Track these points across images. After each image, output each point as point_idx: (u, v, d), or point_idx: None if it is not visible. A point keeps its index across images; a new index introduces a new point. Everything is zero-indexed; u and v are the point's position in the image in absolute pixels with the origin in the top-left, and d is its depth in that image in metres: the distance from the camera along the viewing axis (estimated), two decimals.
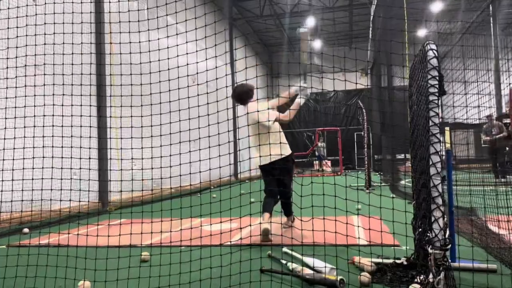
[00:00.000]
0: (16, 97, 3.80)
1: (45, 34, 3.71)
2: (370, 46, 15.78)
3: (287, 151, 4.24)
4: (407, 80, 3.09)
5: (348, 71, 19.33)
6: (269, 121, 4.15)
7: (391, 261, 2.80)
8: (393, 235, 3.33)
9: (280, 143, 4.06)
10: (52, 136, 3.60)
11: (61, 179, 3.52)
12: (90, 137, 4.07)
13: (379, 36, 10.98)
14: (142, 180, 4.17)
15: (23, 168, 3.62)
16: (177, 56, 3.59)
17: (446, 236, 2.20)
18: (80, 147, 3.78)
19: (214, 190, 9.98)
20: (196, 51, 3.26)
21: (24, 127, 3.69)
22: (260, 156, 4.24)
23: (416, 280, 2.27)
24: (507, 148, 11.30)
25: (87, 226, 4.68)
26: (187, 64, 3.25)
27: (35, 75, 3.65)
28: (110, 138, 7.57)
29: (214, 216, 3.52)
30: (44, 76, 3.79)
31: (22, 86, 3.84)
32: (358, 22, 18.25)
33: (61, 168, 3.53)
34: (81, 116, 3.64)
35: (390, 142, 9.71)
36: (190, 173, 3.57)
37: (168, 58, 3.48)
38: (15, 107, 3.78)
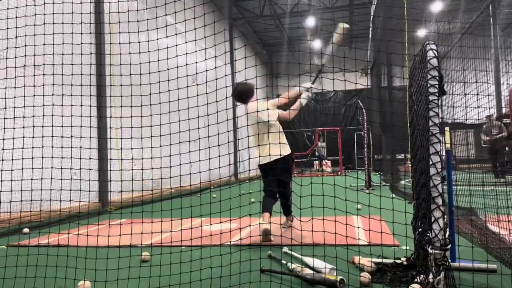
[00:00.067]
0: (15, 97, 3.80)
1: (44, 34, 3.71)
2: (370, 46, 15.78)
3: (286, 150, 4.24)
4: (407, 80, 3.09)
5: (348, 71, 19.33)
6: (268, 120, 4.15)
7: (391, 261, 2.79)
8: (393, 235, 3.33)
9: (280, 143, 4.06)
10: (52, 136, 3.60)
11: (61, 179, 3.51)
12: (90, 137, 4.08)
13: (379, 36, 10.98)
14: (142, 180, 4.17)
15: (22, 168, 3.62)
16: (177, 56, 3.59)
17: (446, 236, 2.20)
18: (80, 147, 3.78)
19: (214, 190, 9.97)
20: (196, 51, 3.25)
21: (24, 127, 3.69)
22: (259, 156, 4.24)
23: (416, 280, 2.27)
24: (507, 148, 11.30)
25: (88, 226, 4.68)
26: (187, 64, 3.25)
27: (34, 75, 3.65)
28: (110, 138, 7.57)
29: (214, 216, 3.52)
30: (44, 77, 3.78)
31: (22, 86, 3.84)
32: (358, 22, 18.24)
33: (61, 168, 3.53)
34: (81, 116, 3.64)
35: (390, 142, 9.71)
36: (190, 173, 3.56)
37: (168, 58, 3.48)
38: (15, 107, 3.78)
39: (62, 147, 3.61)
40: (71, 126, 3.69)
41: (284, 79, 21.68)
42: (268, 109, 4.09)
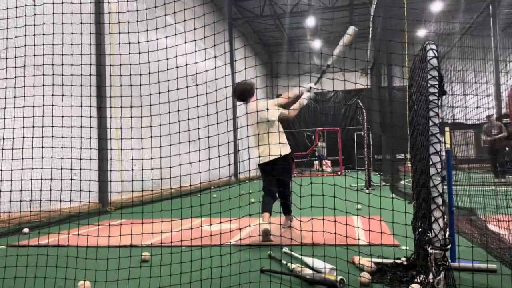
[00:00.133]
0: (15, 97, 3.80)
1: (44, 34, 3.71)
2: (370, 46, 15.78)
3: (287, 150, 4.24)
4: (407, 80, 3.09)
5: (348, 71, 19.34)
6: (269, 120, 4.15)
7: (391, 261, 2.79)
8: (393, 236, 3.33)
9: (280, 143, 4.06)
10: (52, 136, 3.60)
11: (61, 179, 3.51)
12: (90, 138, 4.07)
13: (379, 36, 10.98)
14: (142, 180, 4.16)
15: (22, 169, 3.62)
16: (176, 56, 3.59)
17: (446, 236, 2.20)
18: (81, 148, 3.78)
19: (214, 190, 9.97)
20: (196, 51, 3.25)
21: (23, 127, 3.69)
22: (259, 156, 4.24)
23: (416, 280, 2.27)
24: (507, 148, 11.30)
25: (88, 226, 4.68)
26: (186, 64, 3.25)
27: (34, 75, 3.65)
28: (111, 139, 7.57)
29: (214, 216, 3.52)
30: (44, 77, 3.78)
31: (21, 87, 3.84)
32: (358, 22, 18.24)
33: (61, 168, 3.52)
34: (81, 117, 3.64)
35: (390, 142, 9.71)
36: (190, 174, 3.56)
37: (167, 59, 3.48)
38: (14, 108, 3.77)
39: (62, 147, 3.61)
40: (71, 127, 3.68)
41: (284, 79, 21.67)
42: (268, 109, 4.09)
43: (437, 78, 2.33)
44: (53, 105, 3.55)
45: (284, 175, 4.26)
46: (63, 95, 3.61)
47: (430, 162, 2.27)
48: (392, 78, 9.56)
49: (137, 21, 3.66)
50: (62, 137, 3.51)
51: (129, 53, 3.64)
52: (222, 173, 11.98)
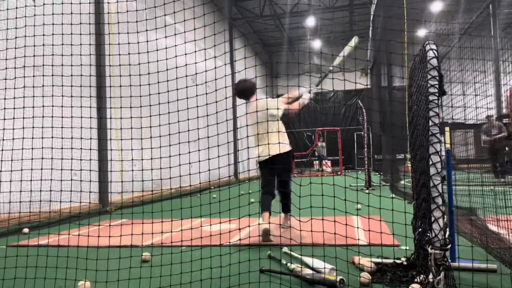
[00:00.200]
0: (15, 98, 3.80)
1: (44, 35, 3.71)
2: (370, 46, 15.77)
3: (288, 147, 4.26)
4: (407, 80, 3.09)
5: (347, 71, 19.31)
6: (268, 118, 4.16)
7: (391, 261, 2.79)
8: (392, 235, 3.33)
9: (280, 143, 4.06)
10: (52, 137, 3.59)
11: (61, 180, 3.51)
12: (90, 138, 4.07)
13: (379, 35, 10.98)
14: (142, 181, 4.16)
15: (21, 169, 3.62)
16: (176, 56, 3.58)
17: (446, 236, 2.20)
18: (81, 149, 3.78)
19: (214, 190, 9.97)
20: (195, 51, 3.25)
21: (23, 128, 3.69)
22: (259, 156, 4.25)
23: (416, 280, 2.27)
24: (507, 148, 11.29)
25: (88, 226, 4.68)
26: (186, 64, 3.25)
27: (34, 76, 3.64)
28: (111, 139, 7.57)
29: (214, 216, 3.52)
30: (43, 77, 3.78)
31: (21, 87, 3.84)
32: (358, 22, 18.25)
33: (61, 169, 3.52)
34: (81, 117, 3.64)
35: (390, 142, 9.70)
36: (189, 174, 3.56)
37: (167, 59, 3.48)
38: (14, 108, 3.77)
39: (62, 148, 3.61)
40: (71, 127, 3.68)
41: (284, 79, 21.67)
42: (267, 109, 4.09)
43: (437, 78, 2.33)
44: (53, 106, 3.55)
45: (285, 172, 4.27)
46: (62, 95, 3.61)
47: (430, 162, 2.27)
48: (392, 78, 9.55)
49: (137, 21, 3.66)
50: (62, 137, 3.51)
51: (129, 54, 3.64)
52: (222, 173, 11.98)
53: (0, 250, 4.04)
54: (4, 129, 3.79)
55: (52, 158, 3.59)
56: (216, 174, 11.27)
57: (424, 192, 2.39)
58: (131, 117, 4.02)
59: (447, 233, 2.22)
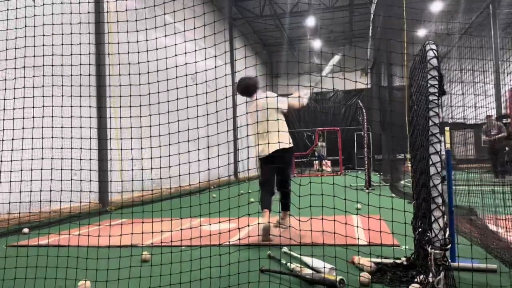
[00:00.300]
0: (15, 98, 3.79)
1: (44, 35, 3.70)
2: (370, 45, 15.77)
3: (288, 144, 4.27)
4: (407, 79, 3.09)
5: (347, 71, 19.34)
6: (271, 114, 4.19)
7: (391, 261, 2.79)
8: (392, 235, 3.32)
9: (279, 142, 4.06)
10: (52, 137, 3.59)
11: (61, 180, 3.51)
12: (90, 138, 4.07)
13: (379, 35, 10.97)
14: (142, 180, 4.16)
15: (21, 170, 3.61)
16: (176, 55, 3.58)
17: (446, 236, 2.20)
18: (80, 148, 3.78)
19: (214, 190, 9.97)
20: (195, 50, 3.25)
21: (23, 128, 3.69)
22: (259, 152, 4.26)
23: (416, 280, 2.27)
24: (507, 148, 11.29)
25: (88, 226, 4.67)
26: (186, 63, 3.25)
27: (34, 76, 3.64)
28: (110, 139, 7.57)
29: (213, 216, 3.52)
30: (43, 78, 3.78)
31: (21, 88, 3.83)
32: (358, 22, 18.24)
33: (61, 169, 3.52)
34: (80, 117, 3.63)
35: (390, 142, 9.70)
36: (189, 173, 3.56)
37: (167, 58, 3.47)
38: (14, 109, 3.77)
39: (62, 148, 3.61)
40: (71, 127, 3.68)
41: (284, 79, 21.67)
42: (267, 108, 4.09)
43: (437, 78, 2.33)
44: (53, 106, 3.54)
45: (285, 169, 4.28)
46: (62, 95, 3.61)
47: (430, 162, 2.26)
48: (392, 78, 9.55)
49: (136, 20, 3.65)
50: (62, 137, 3.51)
51: (128, 53, 3.64)
52: (222, 172, 11.98)
53: (0, 250, 4.04)
54: (4, 129, 3.78)
55: (52, 158, 3.59)
56: (216, 174, 11.27)
57: (424, 192, 2.39)
58: (130, 116, 4.03)
59: (447, 233, 2.21)
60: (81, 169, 3.58)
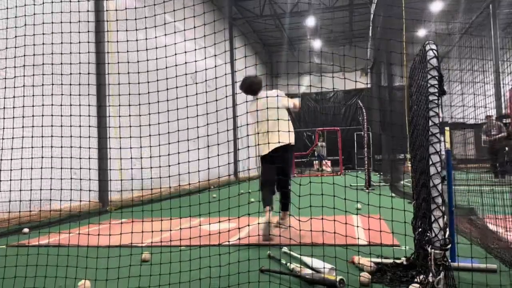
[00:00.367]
0: (14, 97, 3.79)
1: (43, 34, 3.70)
2: (370, 45, 15.76)
3: (288, 140, 4.27)
4: (407, 79, 3.09)
5: (348, 71, 19.34)
6: (276, 109, 4.21)
7: (391, 261, 2.79)
8: (392, 235, 3.32)
9: (279, 141, 4.06)
10: (52, 136, 3.59)
11: (61, 179, 3.51)
12: (89, 136, 4.06)
13: (379, 35, 10.97)
14: (142, 179, 4.16)
15: (21, 168, 3.61)
16: (175, 54, 3.58)
17: (446, 236, 2.19)
18: (80, 147, 3.78)
19: (214, 190, 9.97)
20: (195, 49, 3.25)
21: (23, 127, 3.68)
22: (259, 152, 4.26)
23: (416, 280, 2.26)
24: (507, 148, 11.29)
25: (88, 226, 4.67)
26: (186, 63, 3.24)
27: (33, 75, 3.64)
28: (110, 137, 7.56)
29: (213, 216, 3.52)
30: (43, 76, 3.78)
31: (21, 86, 3.83)
32: (359, 21, 18.24)
33: (61, 168, 3.52)
34: (80, 116, 3.63)
35: (390, 142, 9.70)
36: (189, 172, 3.56)
37: (166, 57, 3.47)
38: (14, 107, 3.77)
39: (61, 146, 3.60)
40: (70, 126, 3.68)
41: (284, 79, 21.66)
42: (267, 108, 4.09)
43: (437, 78, 2.32)
44: (52, 105, 3.54)
45: (287, 163, 4.31)
46: (62, 94, 3.60)
47: (430, 162, 2.26)
48: (392, 77, 9.55)
49: (135, 19, 3.64)
50: (61, 136, 3.51)
51: (127, 51, 3.63)
52: (222, 172, 11.97)
53: (0, 250, 4.03)
54: (4, 128, 3.78)
55: (52, 157, 3.58)
56: (216, 173, 11.26)
57: (424, 192, 2.38)
58: (129, 115, 4.02)
59: (447, 233, 2.21)
60: (80, 168, 3.58)
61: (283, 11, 17.28)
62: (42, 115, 3.58)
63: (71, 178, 3.60)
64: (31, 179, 3.71)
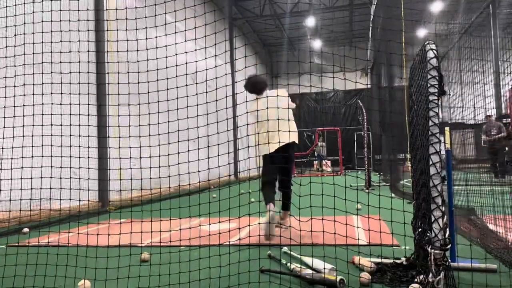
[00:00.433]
0: (15, 96, 3.79)
1: (42, 32, 3.69)
2: (370, 46, 15.76)
3: (288, 139, 4.27)
4: (406, 80, 3.09)
5: (348, 71, 19.31)
6: (288, 108, 4.25)
7: (391, 261, 2.79)
8: (392, 235, 3.32)
9: (279, 141, 4.05)
10: (51, 135, 3.58)
11: (61, 178, 3.51)
12: (89, 136, 4.06)
13: (379, 36, 10.97)
14: (141, 179, 4.15)
15: (22, 167, 3.61)
16: (176, 54, 3.57)
17: (446, 236, 2.19)
18: (79, 146, 3.77)
19: (214, 190, 9.96)
20: (196, 50, 3.24)
21: (23, 126, 3.68)
22: (259, 153, 4.26)
23: (416, 280, 2.26)
24: (506, 148, 11.29)
25: (88, 225, 4.67)
26: (186, 63, 3.24)
27: (33, 74, 3.63)
28: (109, 137, 7.55)
29: (213, 216, 3.51)
30: (42, 75, 3.77)
31: (21, 85, 3.82)
32: (358, 22, 18.24)
33: (61, 167, 3.51)
34: (79, 115, 3.63)
35: (390, 142, 9.70)
36: (189, 173, 3.55)
37: (167, 57, 3.47)
38: (14, 106, 3.76)
39: (61, 146, 3.60)
40: (70, 125, 3.67)
41: (284, 79, 21.66)
42: (267, 108, 4.08)
43: (437, 78, 2.32)
44: (52, 104, 3.54)
45: (289, 162, 4.33)
46: (61, 93, 3.60)
47: (430, 162, 2.26)
48: (392, 78, 9.55)
49: (136, 18, 3.64)
50: (61, 135, 3.50)
51: (127, 51, 3.63)
52: (222, 172, 11.97)
53: (0, 250, 4.03)
54: (4, 127, 3.78)
55: (52, 156, 3.58)
56: (216, 173, 11.26)
57: (424, 192, 2.38)
58: (129, 115, 4.01)
59: (447, 233, 2.21)
60: (80, 167, 3.57)
61: (283, 11, 17.28)
62: (42, 114, 3.57)
63: (70, 178, 3.60)
64: (31, 178, 3.70)
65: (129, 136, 3.95)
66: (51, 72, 3.66)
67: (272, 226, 3.86)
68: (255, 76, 4.52)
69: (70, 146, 3.64)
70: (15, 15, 4.20)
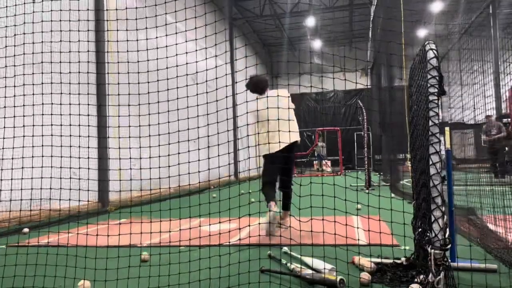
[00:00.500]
0: (14, 96, 3.78)
1: (42, 32, 3.69)
2: (370, 46, 15.76)
3: (289, 139, 4.26)
4: (406, 81, 3.09)
5: (348, 71, 19.31)
6: (289, 108, 4.26)
7: (390, 261, 2.79)
8: (391, 235, 3.32)
9: (279, 141, 4.05)
10: (51, 135, 3.58)
11: (61, 178, 3.50)
12: (89, 136, 4.06)
13: (379, 36, 10.97)
14: (141, 180, 4.15)
15: (22, 167, 3.61)
16: (176, 55, 3.57)
17: (446, 236, 2.19)
18: (79, 147, 3.77)
19: (214, 190, 9.96)
20: (196, 50, 3.24)
21: (23, 126, 3.68)
22: (259, 153, 4.26)
23: (416, 280, 2.26)
24: (506, 148, 11.29)
25: (87, 226, 4.66)
26: (187, 63, 3.24)
27: (33, 73, 3.63)
28: (108, 137, 7.55)
29: (213, 216, 3.51)
30: (42, 75, 3.77)
31: (21, 85, 3.82)
32: (358, 22, 18.24)
33: (60, 167, 3.51)
34: (79, 115, 3.63)
35: (390, 142, 9.70)
36: (189, 173, 3.55)
37: (167, 57, 3.47)
38: (14, 106, 3.76)
39: (61, 146, 3.60)
40: (70, 125, 3.67)
41: (284, 79, 21.66)
42: (268, 107, 4.08)
43: (437, 78, 2.32)
44: (52, 104, 3.53)
45: (291, 162, 4.35)
46: (61, 93, 3.60)
47: (430, 162, 2.26)
48: (392, 78, 9.55)
49: (136, 19, 3.64)
50: (61, 135, 3.50)
51: (127, 51, 3.63)
52: (222, 172, 11.97)
53: (0, 250, 4.03)
54: (4, 127, 3.78)
55: (52, 156, 3.58)
56: (216, 173, 11.26)
57: (424, 192, 2.38)
58: (129, 115, 4.01)
59: (447, 233, 2.21)
60: (79, 168, 3.57)
61: (283, 11, 17.28)
62: (42, 114, 3.57)
63: (70, 178, 3.59)
64: (32, 178, 3.70)
65: (129, 137, 3.95)
66: (51, 72, 3.66)
67: (273, 226, 3.86)
68: (257, 76, 4.55)
69: (70, 146, 3.64)
70: (15, 15, 4.20)
